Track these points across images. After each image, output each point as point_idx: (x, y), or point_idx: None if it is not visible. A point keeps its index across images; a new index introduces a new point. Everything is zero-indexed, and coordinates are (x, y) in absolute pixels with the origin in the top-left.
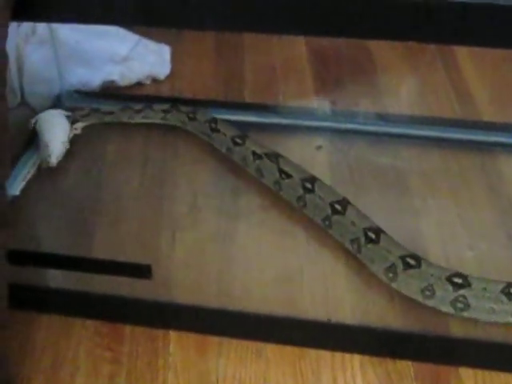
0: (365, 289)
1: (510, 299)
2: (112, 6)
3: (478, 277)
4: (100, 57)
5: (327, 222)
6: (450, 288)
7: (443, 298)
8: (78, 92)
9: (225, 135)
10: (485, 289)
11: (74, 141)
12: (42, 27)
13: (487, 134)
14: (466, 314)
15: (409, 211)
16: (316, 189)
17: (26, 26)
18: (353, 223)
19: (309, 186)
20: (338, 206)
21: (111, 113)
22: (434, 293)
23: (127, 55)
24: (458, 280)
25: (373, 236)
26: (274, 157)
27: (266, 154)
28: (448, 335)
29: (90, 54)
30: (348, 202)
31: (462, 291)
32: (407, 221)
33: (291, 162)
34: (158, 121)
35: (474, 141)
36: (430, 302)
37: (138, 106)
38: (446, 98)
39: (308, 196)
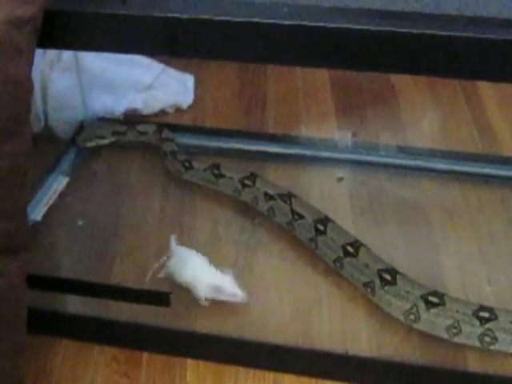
0: (382, 321)
1: None
2: (137, 35)
3: (504, 309)
4: (124, 85)
5: (338, 264)
6: (477, 323)
7: (470, 334)
8: (102, 119)
9: (231, 178)
10: None
11: (96, 166)
12: (67, 54)
13: (508, 169)
14: (492, 347)
15: (428, 245)
16: (328, 230)
17: (52, 53)
18: (366, 265)
19: (321, 227)
20: (350, 248)
21: (145, 133)
22: (460, 329)
23: (151, 84)
24: (485, 314)
25: (388, 277)
26: (287, 197)
27: (278, 195)
28: (466, 369)
29: (114, 81)
30: (360, 244)
31: (489, 325)
32: (426, 254)
33: (304, 202)
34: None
35: (495, 175)
36: (456, 339)
37: (165, 134)
38: (468, 132)
39: (320, 238)
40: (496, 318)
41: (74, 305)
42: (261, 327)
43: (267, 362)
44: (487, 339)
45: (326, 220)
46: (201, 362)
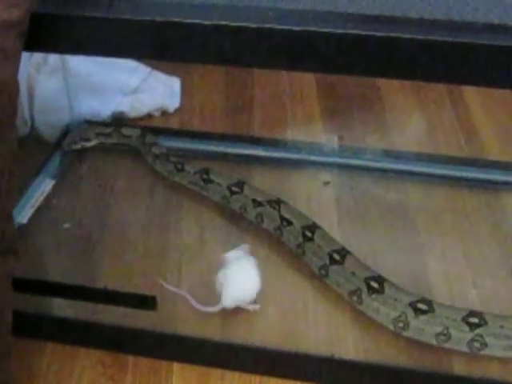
0: (368, 325)
1: None
2: (124, 39)
3: (493, 314)
4: (110, 88)
5: (324, 272)
6: (467, 329)
7: (460, 340)
8: (88, 122)
9: (220, 185)
10: (502, 326)
11: (82, 169)
12: (53, 57)
13: (493, 173)
14: (482, 352)
15: (414, 248)
16: (316, 237)
17: (38, 55)
18: (352, 273)
19: (309, 234)
20: (336, 256)
21: (129, 136)
22: (449, 336)
23: (138, 87)
24: (474, 320)
25: (376, 285)
26: (276, 203)
27: (267, 201)
28: (452, 373)
29: (101, 84)
30: (347, 252)
31: (478, 330)
32: (412, 258)
33: (293, 208)
34: (148, 161)
35: (480, 179)
36: (445, 345)
37: (148, 139)
38: (453, 136)
39: (307, 244)
40: (486, 323)
41: (60, 308)
42: (247, 331)
43: (253, 366)
44: (477, 345)
45: (314, 227)
46: (187, 366)
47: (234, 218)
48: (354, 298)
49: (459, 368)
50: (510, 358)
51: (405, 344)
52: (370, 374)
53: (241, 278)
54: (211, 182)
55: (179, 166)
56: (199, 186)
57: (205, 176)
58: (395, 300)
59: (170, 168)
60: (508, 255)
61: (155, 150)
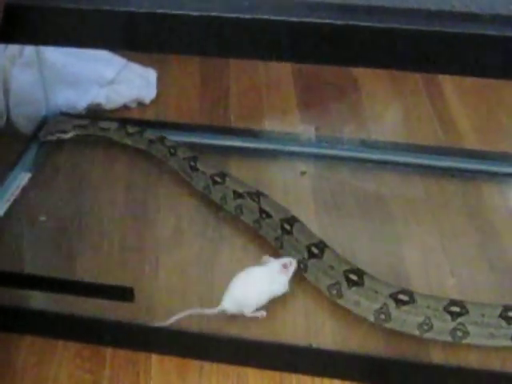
0: (346, 314)
1: (509, 323)
2: (98, 29)
3: (474, 302)
4: (86, 79)
5: (302, 265)
6: (449, 318)
7: (442, 330)
8: (64, 114)
9: (204, 174)
10: (483, 315)
11: (58, 161)
12: (28, 49)
13: (469, 162)
14: (464, 341)
15: (391, 238)
16: (294, 230)
17: (13, 47)
18: (331, 267)
19: (287, 227)
20: (314, 249)
21: (107, 129)
22: (431, 326)
23: (114, 78)
24: (456, 308)
25: (355, 278)
26: (256, 196)
27: (247, 193)
28: (429, 361)
29: (77, 76)
30: (326, 245)
31: (460, 319)
32: (389, 247)
33: (273, 201)
34: (143, 147)
35: (457, 168)
36: (427, 335)
37: (132, 129)
38: (430, 126)
39: (286, 237)
40: (467, 311)
41: (37, 301)
42: (224, 322)
43: (231, 356)
44: (459, 334)
45: (292, 220)
46: (165, 357)
47: (212, 207)
48: (334, 292)
49: (438, 357)
50: (491, 346)
51: (383, 333)
52: (347, 363)
53: (245, 284)
54: (197, 170)
55: (172, 151)
56: (186, 173)
57: (192, 163)
58: (375, 292)
59: (165, 152)
60: (485, 244)
61: (150, 136)
